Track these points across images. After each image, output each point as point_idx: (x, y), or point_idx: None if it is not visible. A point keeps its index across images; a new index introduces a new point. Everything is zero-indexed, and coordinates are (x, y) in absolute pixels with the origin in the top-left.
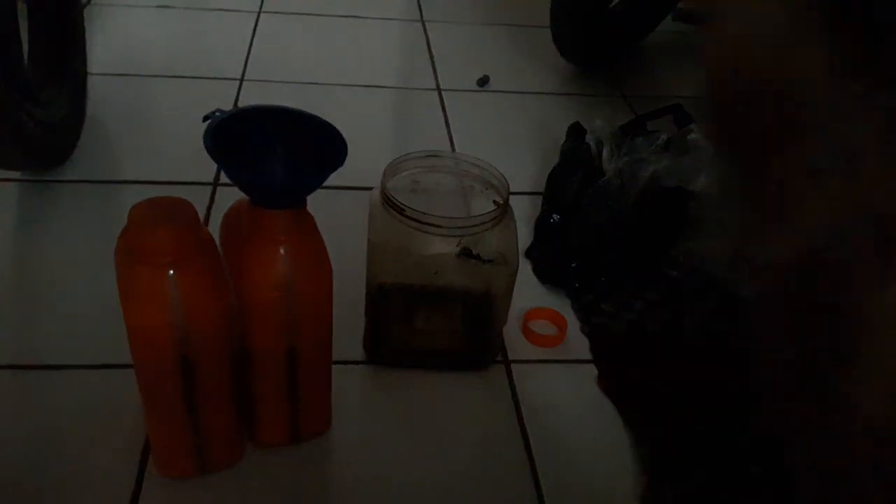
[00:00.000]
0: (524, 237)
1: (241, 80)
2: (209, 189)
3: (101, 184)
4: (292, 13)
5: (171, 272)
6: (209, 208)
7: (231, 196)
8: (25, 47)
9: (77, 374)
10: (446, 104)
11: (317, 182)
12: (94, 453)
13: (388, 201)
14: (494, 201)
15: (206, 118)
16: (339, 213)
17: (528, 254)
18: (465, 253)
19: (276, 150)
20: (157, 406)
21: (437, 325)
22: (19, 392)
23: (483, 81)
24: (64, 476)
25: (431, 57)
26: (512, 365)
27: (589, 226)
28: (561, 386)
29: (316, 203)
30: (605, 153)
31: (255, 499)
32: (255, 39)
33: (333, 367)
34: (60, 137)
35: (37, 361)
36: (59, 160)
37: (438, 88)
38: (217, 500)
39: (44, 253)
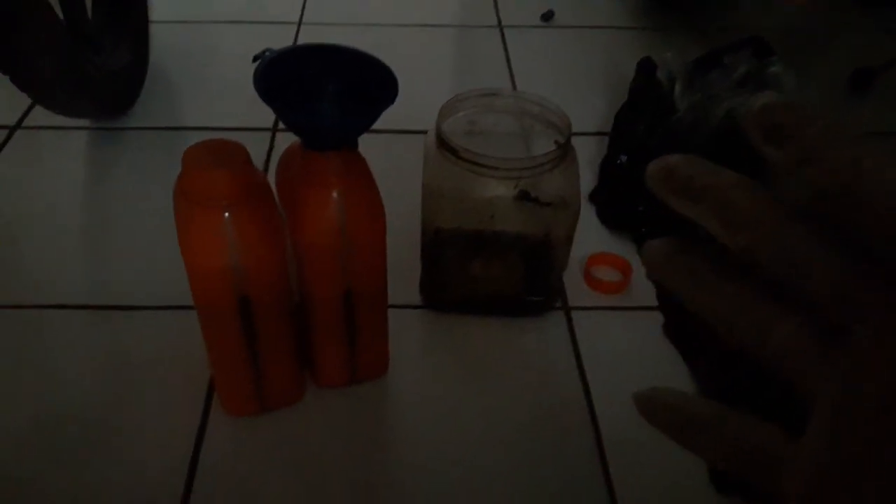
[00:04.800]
0: (589, 180)
1: (299, 23)
2: (269, 134)
3: (165, 130)
4: None
5: (227, 214)
6: (269, 153)
7: (290, 141)
8: None
9: (148, 314)
10: (508, 41)
11: (367, 121)
12: (162, 391)
13: (442, 143)
14: (555, 141)
15: (255, 58)
16: (395, 157)
17: (592, 197)
18: (523, 196)
19: (325, 90)
20: (218, 346)
21: (494, 271)
22: (93, 331)
23: (548, 16)
24: (134, 413)
25: None
26: (572, 312)
27: None
28: (623, 333)
29: (372, 147)
30: (677, 89)
31: (315, 437)
32: None
33: (391, 311)
34: (124, 85)
35: (110, 302)
36: (124, 108)
37: (500, 25)
38: (278, 437)
39: (113, 198)
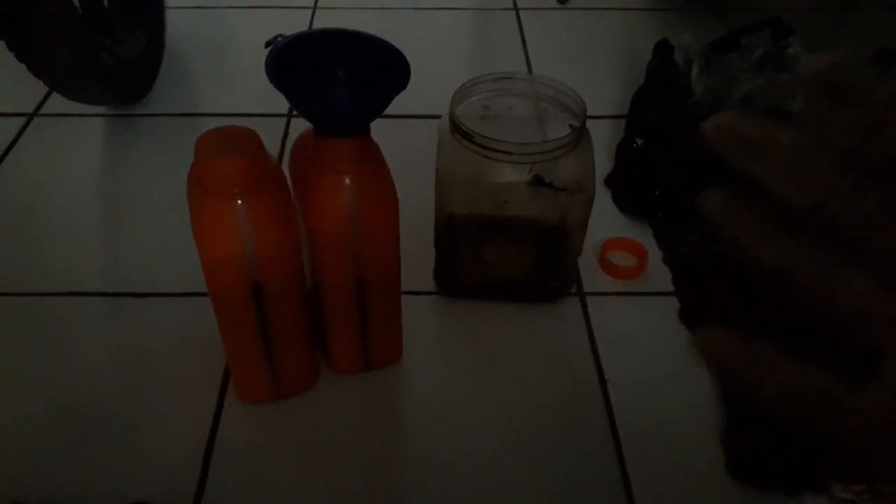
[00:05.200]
0: (605, 164)
1: (314, 7)
2: (283, 120)
3: (180, 117)
4: None
5: (239, 201)
6: (284, 139)
7: (304, 127)
8: None
9: (163, 301)
10: (524, 24)
11: (379, 107)
12: (178, 378)
13: (456, 128)
14: (570, 125)
15: (267, 44)
16: (409, 142)
17: (607, 181)
18: (537, 181)
19: (337, 75)
20: (233, 333)
21: (508, 256)
22: (109, 319)
23: None
24: (150, 400)
25: None
26: (587, 297)
27: (675, 150)
28: (639, 319)
29: (385, 133)
30: (694, 72)
31: (329, 423)
32: None
33: (404, 297)
34: (140, 72)
35: (125, 289)
36: (140, 94)
37: (516, 7)
38: (292, 423)
39: (128, 185)
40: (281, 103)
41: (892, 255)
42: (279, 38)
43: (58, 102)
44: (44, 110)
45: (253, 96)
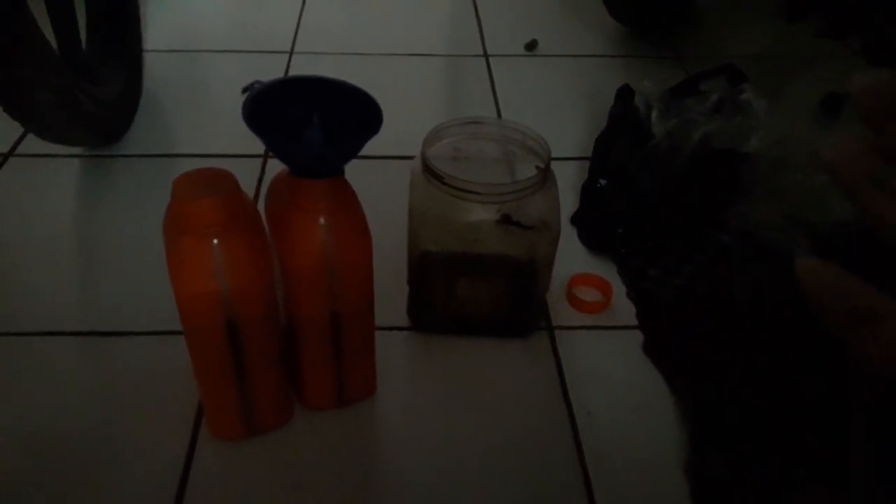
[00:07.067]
0: (571, 203)
1: (291, 52)
2: (259, 161)
3: (157, 157)
4: None
5: (215, 241)
6: (260, 180)
7: (280, 167)
8: (82, 26)
9: (135, 340)
10: (493, 70)
11: (353, 150)
12: (150, 416)
13: (427, 169)
14: (536, 166)
15: (244, 90)
16: (384, 182)
17: (573, 220)
18: (505, 219)
19: (312, 120)
20: (206, 370)
21: (479, 292)
22: (81, 357)
23: (531, 46)
24: (123, 439)
25: (479, 22)
26: (555, 331)
27: (636, 190)
28: (605, 352)
29: (361, 173)
30: (654, 115)
31: (303, 459)
32: (304, 12)
33: (378, 333)
34: (117, 114)
35: (98, 328)
36: (116, 136)
37: (485, 54)
38: (266, 460)
39: (104, 225)
40: (257, 145)
41: None
42: (256, 84)
43: (33, 143)
44: (19, 150)
45: (229, 138)
